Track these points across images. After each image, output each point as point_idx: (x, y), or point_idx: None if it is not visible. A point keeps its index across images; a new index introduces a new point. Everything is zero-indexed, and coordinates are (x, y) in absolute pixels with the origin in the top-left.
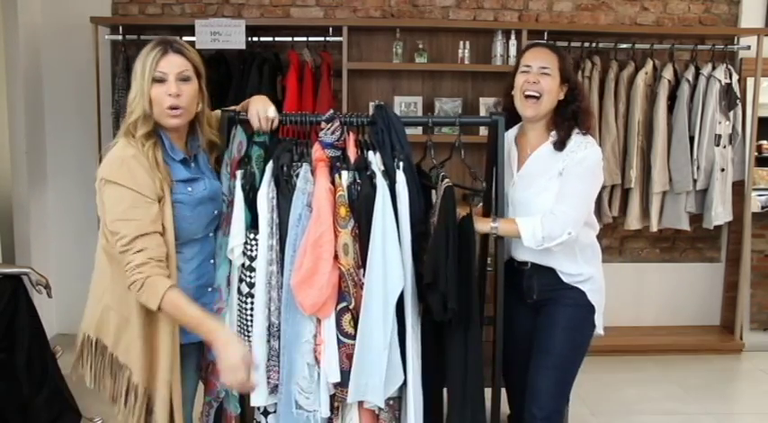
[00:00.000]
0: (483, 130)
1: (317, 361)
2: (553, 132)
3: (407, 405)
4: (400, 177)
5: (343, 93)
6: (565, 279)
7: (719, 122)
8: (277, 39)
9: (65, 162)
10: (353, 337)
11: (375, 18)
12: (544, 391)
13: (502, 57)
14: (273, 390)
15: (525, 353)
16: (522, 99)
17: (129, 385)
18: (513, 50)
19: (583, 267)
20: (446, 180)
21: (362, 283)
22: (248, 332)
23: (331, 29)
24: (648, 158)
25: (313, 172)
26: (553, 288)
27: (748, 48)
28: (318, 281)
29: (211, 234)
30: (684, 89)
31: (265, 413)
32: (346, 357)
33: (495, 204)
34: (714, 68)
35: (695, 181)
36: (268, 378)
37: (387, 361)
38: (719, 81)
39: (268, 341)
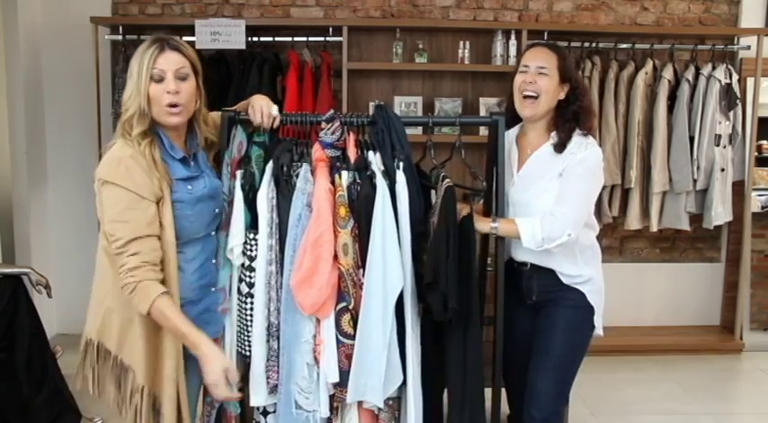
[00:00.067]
0: (483, 130)
1: (317, 361)
2: (554, 133)
3: (407, 405)
4: (400, 177)
5: (343, 93)
6: (564, 280)
7: (719, 122)
8: (277, 39)
9: (65, 162)
10: (353, 338)
11: (375, 18)
12: (543, 392)
13: (502, 57)
14: (273, 390)
15: (525, 354)
16: (521, 99)
17: (133, 387)
18: (513, 50)
19: (582, 268)
20: (447, 180)
21: (362, 284)
22: (248, 332)
23: (331, 29)
24: (648, 158)
25: (313, 172)
26: (552, 289)
27: (748, 48)
28: (318, 281)
29: (213, 233)
30: (684, 89)
31: (265, 413)
32: (345, 357)
33: (495, 204)
34: (714, 68)
35: (695, 181)
36: (267, 378)
37: (386, 361)
38: (719, 81)
39: (267, 341)
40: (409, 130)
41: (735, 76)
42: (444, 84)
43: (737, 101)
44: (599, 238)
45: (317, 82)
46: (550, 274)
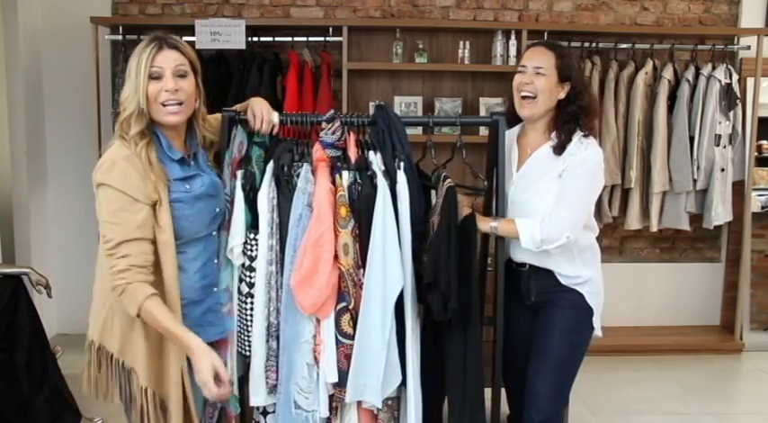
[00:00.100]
0: (483, 130)
1: (317, 361)
2: (553, 134)
3: (407, 405)
4: (401, 177)
5: (343, 93)
6: (563, 281)
7: (719, 122)
8: (277, 39)
9: (65, 162)
10: (352, 338)
11: (375, 18)
12: (542, 394)
13: (502, 57)
14: (272, 390)
15: (524, 354)
16: (519, 99)
17: (137, 389)
18: (513, 50)
19: (581, 269)
20: (448, 180)
21: (362, 284)
22: (248, 332)
23: (331, 29)
24: (648, 158)
25: (314, 172)
26: (551, 290)
27: (748, 48)
28: (318, 281)
29: (214, 232)
30: (684, 89)
31: (264, 413)
32: (344, 357)
33: (495, 204)
34: (714, 68)
35: (695, 181)
36: (267, 378)
37: (385, 361)
38: (719, 81)
39: (267, 341)
40: (409, 130)
41: (735, 76)
42: (444, 84)
43: (737, 101)
44: (599, 238)
45: (316, 82)
46: (549, 274)
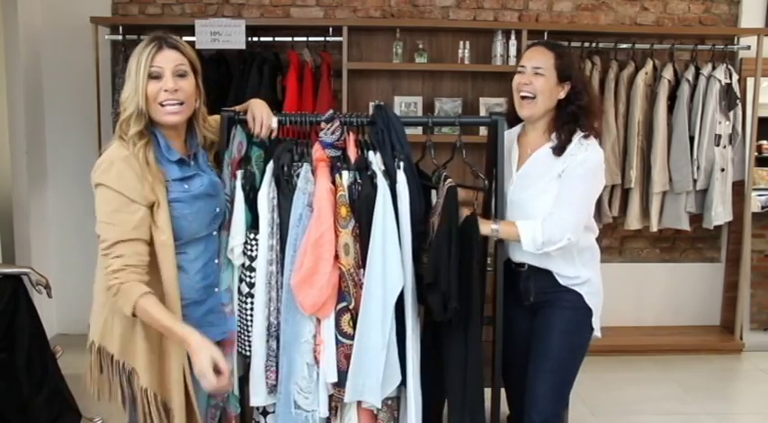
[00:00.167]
0: (483, 130)
1: (317, 361)
2: (553, 135)
3: (408, 406)
4: (401, 177)
5: (343, 93)
6: (561, 281)
7: (719, 122)
8: (277, 39)
9: (65, 162)
10: (352, 338)
11: (375, 18)
12: (542, 395)
13: (502, 57)
14: (272, 390)
15: (523, 355)
16: (518, 99)
17: (139, 390)
18: (513, 50)
19: (580, 270)
20: (449, 180)
21: (363, 283)
22: (248, 332)
23: (331, 29)
24: (648, 158)
25: (313, 172)
26: (550, 290)
27: (748, 48)
28: (319, 281)
29: (215, 233)
30: (684, 89)
31: (264, 413)
32: (344, 357)
33: (494, 205)
34: (714, 68)
35: (695, 181)
36: (267, 378)
37: (384, 361)
38: (719, 81)
39: (267, 341)
40: (409, 130)
41: (735, 76)
42: (444, 84)
43: (737, 101)
44: (599, 238)
45: (316, 82)
46: (547, 275)
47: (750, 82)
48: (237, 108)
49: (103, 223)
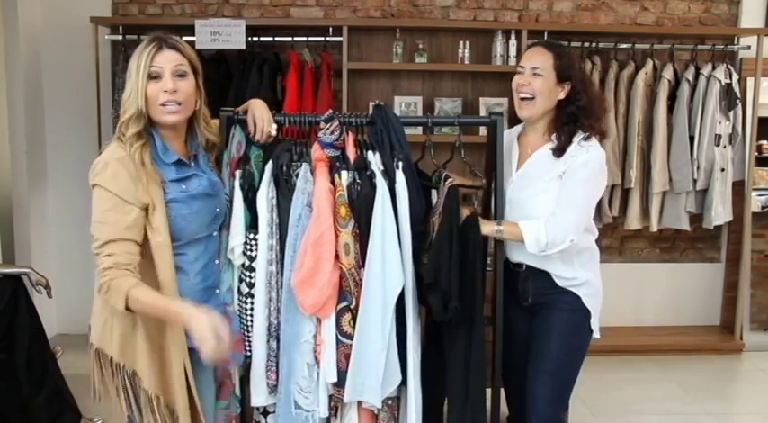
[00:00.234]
0: (483, 130)
1: (317, 361)
2: (553, 136)
3: (408, 405)
4: (400, 177)
5: (343, 93)
6: (559, 282)
7: (719, 122)
8: (277, 39)
9: (65, 162)
10: (352, 338)
11: (375, 18)
12: (541, 397)
13: (502, 57)
14: (273, 390)
15: (522, 356)
16: (518, 100)
17: (141, 392)
18: (513, 50)
19: (578, 271)
20: (449, 180)
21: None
22: (248, 332)
23: (331, 29)
24: (648, 158)
25: (313, 172)
26: (548, 291)
27: (748, 48)
28: (319, 280)
29: (215, 233)
30: (684, 89)
31: (265, 413)
32: (344, 357)
33: (494, 205)
34: (714, 68)
35: (695, 181)
36: (267, 378)
37: (384, 361)
38: (719, 81)
39: (268, 341)
40: (409, 130)
41: (735, 76)
42: (444, 84)
43: (737, 101)
44: (599, 238)
45: (316, 82)
46: (545, 276)
47: (750, 82)
48: (238, 109)
49: (97, 223)
